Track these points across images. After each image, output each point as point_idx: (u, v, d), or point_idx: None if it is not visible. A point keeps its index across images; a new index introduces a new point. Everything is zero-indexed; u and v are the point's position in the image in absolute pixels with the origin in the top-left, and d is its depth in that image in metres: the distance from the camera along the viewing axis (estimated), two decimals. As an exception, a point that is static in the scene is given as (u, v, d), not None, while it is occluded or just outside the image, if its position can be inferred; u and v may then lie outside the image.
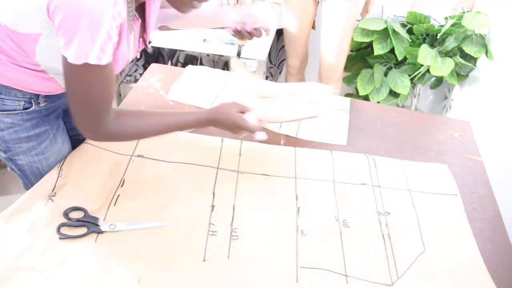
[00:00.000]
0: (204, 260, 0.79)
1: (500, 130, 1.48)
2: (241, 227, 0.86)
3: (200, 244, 0.82)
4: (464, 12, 1.65)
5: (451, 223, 0.93)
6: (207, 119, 0.90)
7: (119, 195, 0.90)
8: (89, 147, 0.98)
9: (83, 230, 0.80)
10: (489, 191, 1.02)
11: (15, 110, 0.86)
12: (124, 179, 0.93)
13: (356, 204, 0.95)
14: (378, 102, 1.80)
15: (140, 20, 0.81)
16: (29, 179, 0.96)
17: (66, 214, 0.82)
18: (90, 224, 0.81)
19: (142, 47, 0.90)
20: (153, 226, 0.83)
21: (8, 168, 0.96)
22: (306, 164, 1.02)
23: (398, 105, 1.94)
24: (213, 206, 0.90)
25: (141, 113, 0.85)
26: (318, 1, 1.74)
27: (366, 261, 0.83)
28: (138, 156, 0.99)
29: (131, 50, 0.82)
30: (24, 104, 0.86)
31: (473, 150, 1.14)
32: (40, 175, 0.95)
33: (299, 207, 0.92)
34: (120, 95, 2.07)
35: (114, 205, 0.87)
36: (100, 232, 0.81)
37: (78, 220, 0.82)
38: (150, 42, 0.92)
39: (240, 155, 1.03)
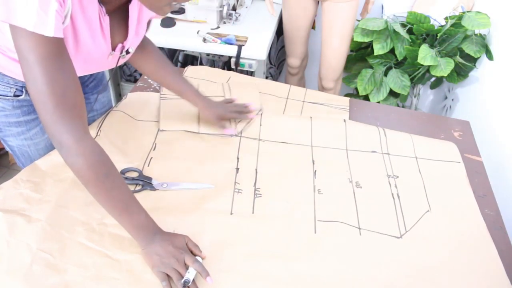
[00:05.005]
0: (231, 214, 0.89)
1: (500, 130, 1.48)
2: (263, 187, 0.95)
3: (227, 199, 0.91)
4: (464, 12, 1.65)
5: (454, 187, 1.01)
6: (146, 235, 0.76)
7: (151, 158, 0.99)
8: (120, 114, 1.09)
9: (138, 187, 0.92)
10: (489, 191, 1.02)
11: (6, 96, 0.87)
12: (155, 144, 1.03)
13: (368, 168, 1.03)
14: (378, 102, 1.80)
15: (107, 17, 0.77)
16: (20, 159, 1.01)
17: (122, 173, 0.90)
18: (144, 182, 0.92)
19: (118, 54, 0.86)
20: (201, 187, 0.93)
21: (3, 146, 1.02)
22: (321, 133, 1.10)
23: (398, 105, 1.93)
24: (237, 169, 0.99)
25: (114, 168, 0.75)
26: (318, 1, 1.73)
27: (377, 216, 0.92)
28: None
29: (100, 48, 0.80)
30: (15, 92, 0.88)
31: (473, 150, 1.14)
32: (29, 158, 0.99)
33: (315, 170, 1.01)
34: (120, 94, 2.07)
35: (148, 165, 0.97)
36: (153, 189, 0.91)
37: (133, 179, 0.92)
38: (128, 52, 0.88)
39: (260, 125, 1.12)
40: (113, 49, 0.84)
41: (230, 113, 1.08)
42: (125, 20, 0.82)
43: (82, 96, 0.71)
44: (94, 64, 0.85)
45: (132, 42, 0.87)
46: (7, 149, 1.00)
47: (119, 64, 0.90)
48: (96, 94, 1.08)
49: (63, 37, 0.68)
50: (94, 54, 0.80)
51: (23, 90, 0.89)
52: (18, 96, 0.89)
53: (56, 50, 0.66)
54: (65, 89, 0.67)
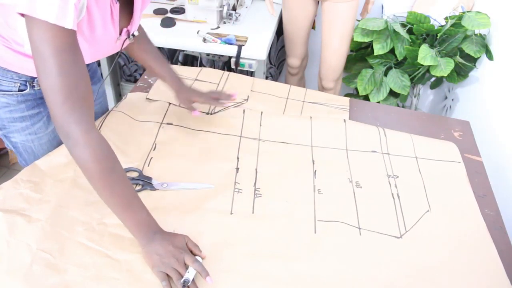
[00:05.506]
0: (231, 213, 0.89)
1: (500, 130, 1.48)
2: (263, 187, 0.96)
3: (227, 199, 0.92)
4: (464, 12, 1.65)
5: (454, 187, 1.01)
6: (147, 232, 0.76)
7: (152, 158, 0.99)
8: (120, 115, 1.09)
9: (138, 187, 0.92)
10: (489, 191, 1.02)
11: (10, 91, 0.88)
12: (155, 144, 1.03)
13: (368, 168, 1.03)
14: (378, 102, 1.80)
15: (118, 3, 0.79)
16: (23, 156, 1.01)
17: None
18: (145, 182, 0.92)
19: (124, 37, 0.88)
20: (201, 187, 0.93)
21: (5, 145, 1.02)
22: (321, 133, 1.11)
23: (398, 105, 1.93)
24: (237, 168, 0.99)
25: (119, 165, 0.74)
26: (318, 1, 1.74)
27: (377, 216, 0.92)
28: (168, 123, 1.10)
29: (110, 34, 0.81)
30: (19, 86, 0.89)
31: (473, 150, 1.14)
32: (32, 153, 0.99)
33: (315, 170, 1.01)
34: (120, 94, 2.07)
35: (148, 165, 0.97)
36: (153, 189, 0.91)
37: (133, 179, 0.92)
38: (134, 35, 0.90)
39: (260, 125, 1.12)
40: (119, 33, 0.86)
41: (200, 99, 1.08)
42: (129, 4, 0.84)
43: (91, 88, 0.72)
44: (102, 50, 0.86)
45: (136, 26, 0.89)
46: (9, 146, 1.00)
47: (123, 47, 0.91)
48: (93, 85, 1.09)
49: (77, 29, 0.69)
50: (104, 41, 0.81)
51: (27, 84, 0.90)
52: (22, 90, 0.90)
53: (71, 43, 0.67)
54: (77, 81, 0.68)
